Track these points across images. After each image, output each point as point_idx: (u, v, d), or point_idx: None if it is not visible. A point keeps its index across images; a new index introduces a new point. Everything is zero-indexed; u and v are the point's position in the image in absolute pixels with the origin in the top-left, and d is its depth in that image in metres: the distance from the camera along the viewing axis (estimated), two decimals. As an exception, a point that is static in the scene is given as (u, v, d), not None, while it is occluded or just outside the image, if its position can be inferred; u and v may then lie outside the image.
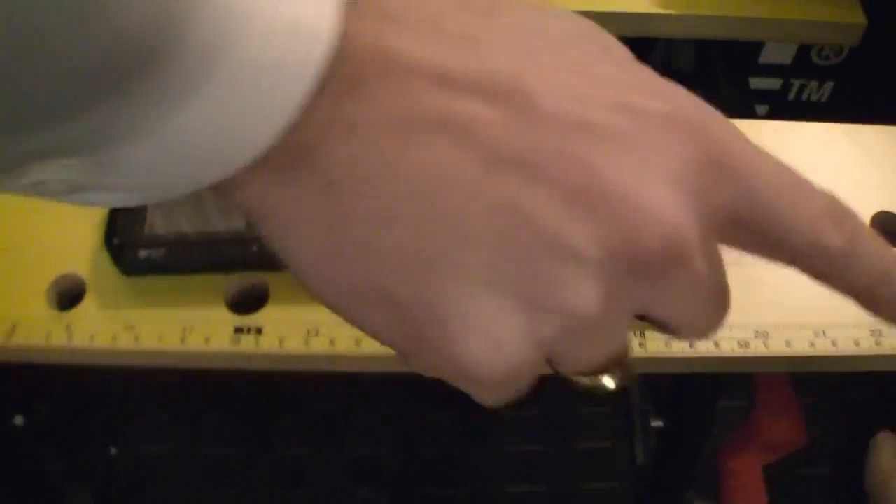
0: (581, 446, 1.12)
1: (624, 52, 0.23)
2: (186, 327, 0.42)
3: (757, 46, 1.21)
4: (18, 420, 0.73)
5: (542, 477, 1.11)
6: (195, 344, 0.42)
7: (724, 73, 0.69)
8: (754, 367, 0.46)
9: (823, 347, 0.42)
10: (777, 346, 0.42)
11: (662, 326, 0.23)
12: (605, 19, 0.53)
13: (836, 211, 0.22)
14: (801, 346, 0.42)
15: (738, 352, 0.42)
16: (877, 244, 0.23)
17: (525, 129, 0.20)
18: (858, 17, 0.54)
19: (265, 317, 0.42)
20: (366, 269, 0.20)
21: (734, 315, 0.23)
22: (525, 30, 0.22)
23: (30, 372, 1.15)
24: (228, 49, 0.18)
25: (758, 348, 0.42)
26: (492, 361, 0.21)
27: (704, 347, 0.42)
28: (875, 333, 0.42)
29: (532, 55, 0.21)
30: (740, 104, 0.70)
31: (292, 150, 0.20)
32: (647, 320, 0.23)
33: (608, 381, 0.24)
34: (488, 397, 0.22)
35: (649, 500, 0.84)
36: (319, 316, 0.42)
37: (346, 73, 0.19)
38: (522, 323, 0.20)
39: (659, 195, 0.20)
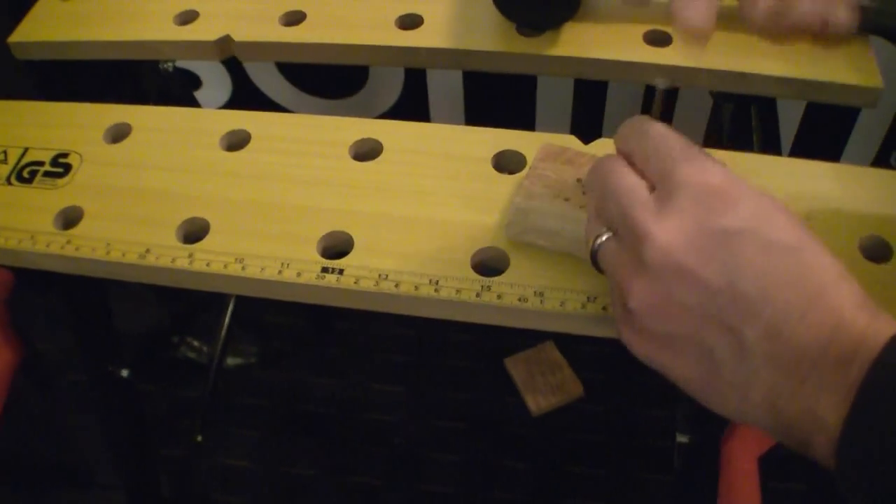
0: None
1: None
2: (284, 262, 0.52)
3: (839, 149, 1.26)
4: (125, 373, 0.83)
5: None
6: (289, 276, 0.52)
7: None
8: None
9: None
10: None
11: None
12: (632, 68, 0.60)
13: None
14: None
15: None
16: None
17: None
18: (875, 82, 0.56)
19: (347, 262, 0.52)
20: None
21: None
22: None
23: (137, 335, 1.26)
24: None
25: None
26: None
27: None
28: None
29: None
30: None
31: None
32: None
33: None
34: None
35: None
36: (388, 265, 0.51)
37: None
38: None
39: None
